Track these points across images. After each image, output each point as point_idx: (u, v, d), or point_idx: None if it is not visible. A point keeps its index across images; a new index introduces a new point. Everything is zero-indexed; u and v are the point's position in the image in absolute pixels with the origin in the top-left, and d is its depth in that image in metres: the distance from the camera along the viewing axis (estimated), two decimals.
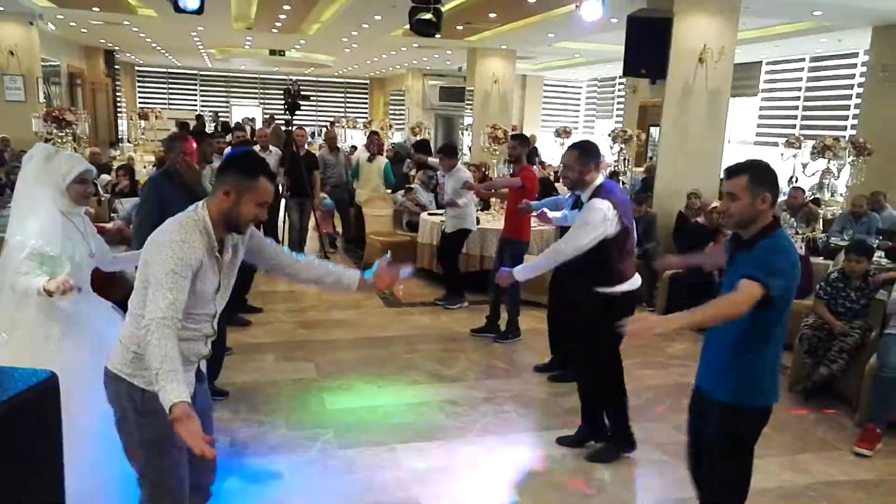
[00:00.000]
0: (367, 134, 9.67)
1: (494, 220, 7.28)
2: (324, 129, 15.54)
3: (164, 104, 24.05)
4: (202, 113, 20.66)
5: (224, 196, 2.16)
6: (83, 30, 15.00)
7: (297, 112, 8.21)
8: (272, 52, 17.39)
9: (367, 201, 8.70)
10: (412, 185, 8.87)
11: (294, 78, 15.61)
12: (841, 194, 9.85)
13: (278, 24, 13.26)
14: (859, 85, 12.17)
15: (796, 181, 9.88)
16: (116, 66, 20.70)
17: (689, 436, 2.81)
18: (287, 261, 2.50)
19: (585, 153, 3.62)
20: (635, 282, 3.70)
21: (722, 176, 2.90)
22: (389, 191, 8.91)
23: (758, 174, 2.44)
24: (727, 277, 2.58)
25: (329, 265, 2.58)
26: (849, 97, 12.96)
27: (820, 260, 6.41)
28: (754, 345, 2.49)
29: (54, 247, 2.76)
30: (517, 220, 5.64)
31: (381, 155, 9.10)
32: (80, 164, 2.93)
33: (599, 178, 3.63)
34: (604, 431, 3.93)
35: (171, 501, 2.25)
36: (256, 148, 8.11)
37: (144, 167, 11.55)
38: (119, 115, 20.56)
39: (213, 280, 2.21)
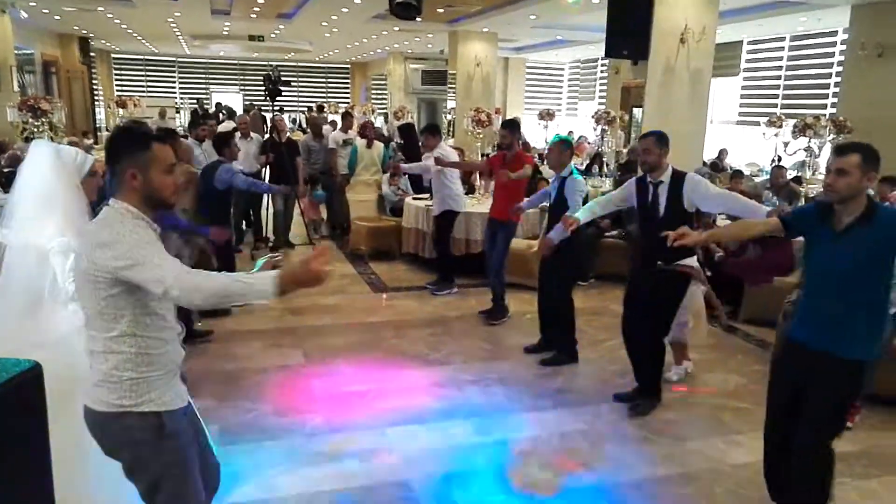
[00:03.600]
0: (342, 116, 9.62)
1: (479, 204, 7.27)
2: (307, 116, 15.41)
3: (143, 92, 23.71)
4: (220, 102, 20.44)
5: (131, 179, 2.01)
6: (56, 17, 14.69)
7: (277, 98, 8.13)
8: (251, 38, 17.16)
9: (351, 187, 8.66)
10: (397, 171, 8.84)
11: (274, 63, 15.41)
12: (822, 173, 9.94)
13: (256, 8, 13.08)
14: (839, 63, 12.25)
15: (779, 160, 9.97)
16: (92, 54, 20.31)
17: (782, 394, 2.95)
18: None
19: (662, 140, 4.04)
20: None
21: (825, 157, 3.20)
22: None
23: (868, 155, 2.64)
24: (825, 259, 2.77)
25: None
26: (829, 76, 13.05)
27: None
28: (880, 302, 2.74)
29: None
30: (507, 201, 5.61)
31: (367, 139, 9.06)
32: (88, 156, 2.88)
33: (670, 165, 4.05)
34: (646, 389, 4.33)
35: None
36: (237, 136, 8.04)
37: None
38: (96, 103, 20.21)
39: None
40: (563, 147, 5.02)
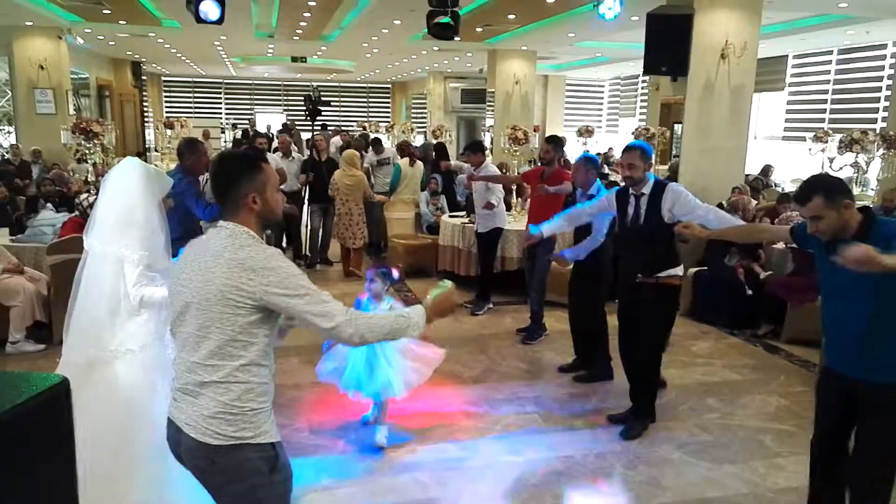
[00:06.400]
0: (372, 143, 9.82)
1: (515, 222, 7.26)
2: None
3: (191, 113, 24.45)
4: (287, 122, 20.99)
5: (253, 203, 2.02)
6: (111, 42, 15.32)
7: (318, 117, 8.30)
8: (294, 59, 17.57)
9: (391, 205, 8.74)
10: (437, 189, 8.90)
11: (315, 84, 15.74)
12: (873, 189, 9.65)
13: (299, 31, 13.41)
14: (889, 77, 11.91)
15: None
16: (143, 77, 21.08)
17: (826, 418, 2.86)
18: None
19: (647, 154, 3.96)
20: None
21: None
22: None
23: (828, 190, 2.53)
24: (831, 275, 2.61)
25: None
26: (879, 90, 12.69)
27: None
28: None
29: (156, 257, 2.85)
30: (545, 217, 5.61)
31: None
32: (168, 179, 3.06)
33: (652, 175, 4.00)
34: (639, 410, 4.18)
35: None
36: (277, 155, 8.23)
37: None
38: (146, 125, 20.92)
39: None
40: (589, 165, 5.01)
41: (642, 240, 3.97)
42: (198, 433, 1.92)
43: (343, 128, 18.09)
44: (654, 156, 11.39)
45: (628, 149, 4.02)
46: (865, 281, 2.48)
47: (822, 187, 2.54)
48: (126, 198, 2.86)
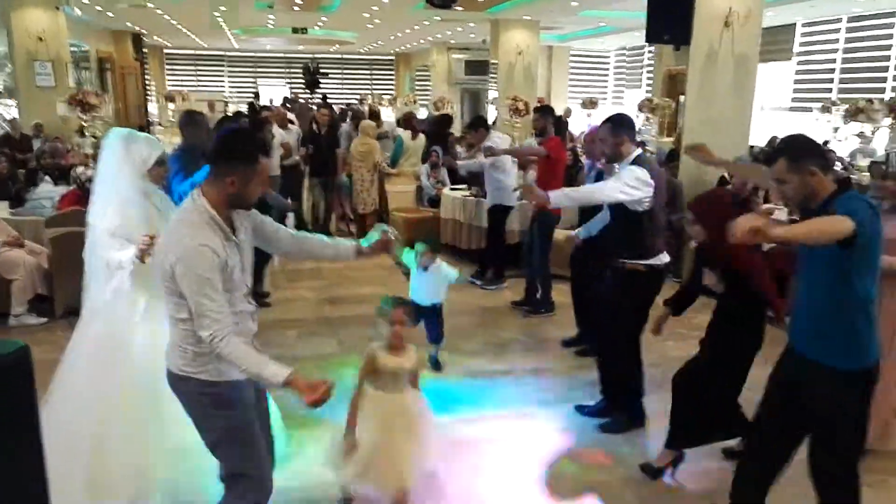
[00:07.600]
0: (369, 116, 9.79)
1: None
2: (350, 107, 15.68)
3: (193, 86, 24.28)
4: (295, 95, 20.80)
5: (230, 185, 2.12)
6: (109, 14, 15.13)
7: (317, 88, 8.23)
8: (295, 30, 17.37)
9: (388, 177, 8.70)
10: (437, 162, 8.85)
11: (316, 56, 15.60)
12: (881, 159, 9.53)
13: (299, 1, 13.22)
14: None
15: (825, 144, 9.60)
16: (144, 50, 20.88)
17: (776, 408, 2.65)
18: (286, 238, 2.52)
19: (618, 125, 3.68)
20: (664, 257, 3.77)
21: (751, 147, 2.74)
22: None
23: (793, 153, 2.37)
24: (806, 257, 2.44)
25: (325, 239, 2.66)
26: (888, 59, 12.49)
27: None
28: (854, 300, 2.34)
29: (131, 227, 2.88)
30: (546, 190, 5.60)
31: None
32: (157, 147, 3.04)
33: (636, 151, 3.68)
34: (620, 404, 3.94)
35: (255, 489, 2.30)
36: (275, 127, 8.15)
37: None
38: (149, 98, 20.78)
39: (238, 262, 2.22)
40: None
41: (611, 219, 3.82)
42: (167, 360, 2.25)
43: (329, 101, 17.82)
44: (653, 128, 11.24)
45: (602, 122, 3.82)
46: (820, 252, 2.32)
47: (787, 149, 2.38)
48: (107, 168, 2.93)
